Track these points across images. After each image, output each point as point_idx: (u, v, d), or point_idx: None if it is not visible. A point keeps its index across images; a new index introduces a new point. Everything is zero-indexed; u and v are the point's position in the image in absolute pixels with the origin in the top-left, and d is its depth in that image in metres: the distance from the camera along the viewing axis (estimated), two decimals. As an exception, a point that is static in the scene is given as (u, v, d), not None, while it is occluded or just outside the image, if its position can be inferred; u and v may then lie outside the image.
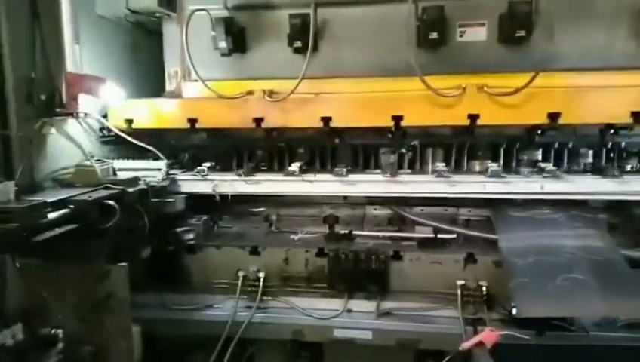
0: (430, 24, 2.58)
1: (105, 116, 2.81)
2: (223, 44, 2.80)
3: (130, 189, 2.35)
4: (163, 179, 2.69)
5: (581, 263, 2.26)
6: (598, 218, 2.63)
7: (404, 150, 2.92)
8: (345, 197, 3.07)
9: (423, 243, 2.73)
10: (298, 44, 2.72)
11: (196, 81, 2.79)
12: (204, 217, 2.99)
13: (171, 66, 3.08)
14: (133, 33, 3.36)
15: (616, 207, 2.76)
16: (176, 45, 2.98)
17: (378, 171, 2.80)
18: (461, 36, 2.69)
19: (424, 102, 2.55)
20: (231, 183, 2.79)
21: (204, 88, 2.76)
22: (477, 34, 2.67)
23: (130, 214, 2.28)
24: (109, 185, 2.28)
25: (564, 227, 2.52)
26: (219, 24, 2.77)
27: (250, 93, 2.75)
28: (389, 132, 2.74)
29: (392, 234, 2.83)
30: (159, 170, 2.73)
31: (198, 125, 2.80)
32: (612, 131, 2.66)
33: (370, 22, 2.77)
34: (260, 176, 2.81)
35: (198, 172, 2.80)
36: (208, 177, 2.79)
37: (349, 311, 2.58)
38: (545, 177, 2.53)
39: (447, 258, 2.58)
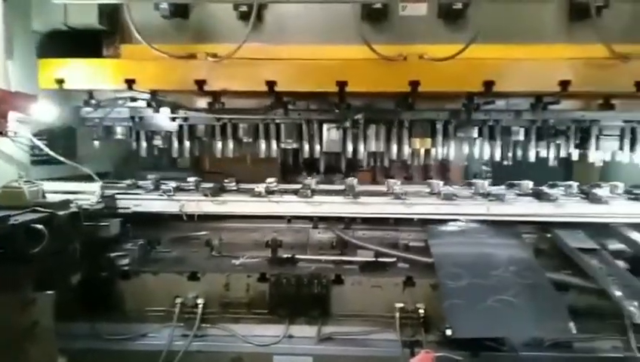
0: None
1: (36, 135, 2.69)
2: (164, 5, 2.74)
3: (61, 212, 2.23)
4: (97, 202, 2.59)
5: (510, 285, 2.37)
6: (526, 242, 2.80)
7: (348, 124, 2.99)
8: (289, 221, 3.09)
9: (365, 267, 2.77)
10: (243, 8, 2.71)
11: (135, 44, 2.72)
12: (141, 241, 2.88)
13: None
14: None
15: (543, 232, 2.95)
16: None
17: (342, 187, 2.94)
18: (403, 10, 2.80)
19: (368, 68, 2.65)
20: (197, 203, 2.73)
21: (142, 52, 2.68)
22: (418, 8, 2.80)
23: (59, 239, 2.16)
24: (38, 208, 2.16)
25: (496, 251, 2.65)
26: None
27: (192, 55, 2.71)
28: (333, 105, 2.80)
29: (335, 258, 2.85)
30: (93, 192, 2.63)
31: (135, 86, 2.71)
32: (542, 106, 2.87)
33: None
34: (226, 197, 2.76)
35: (164, 192, 2.72)
36: (175, 197, 2.72)
37: (290, 336, 2.55)
38: (490, 200, 2.73)
39: (386, 281, 2.62)
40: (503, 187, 3.21)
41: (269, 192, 2.83)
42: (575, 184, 3.13)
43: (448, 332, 2.19)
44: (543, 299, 2.31)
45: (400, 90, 2.71)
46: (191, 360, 2.47)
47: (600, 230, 2.92)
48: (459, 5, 2.63)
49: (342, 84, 2.64)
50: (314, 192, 2.89)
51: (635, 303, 2.28)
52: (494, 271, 2.49)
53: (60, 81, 2.74)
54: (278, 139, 3.19)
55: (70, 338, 2.40)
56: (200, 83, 2.71)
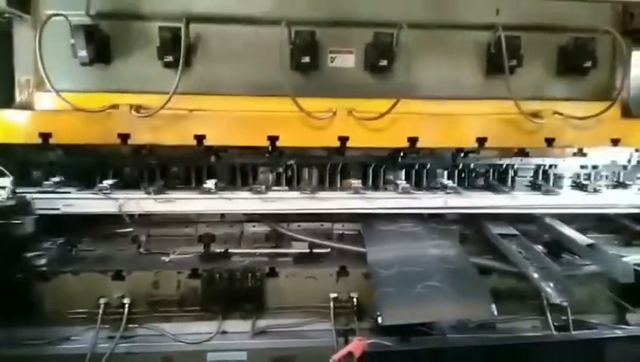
0: (302, 48, 2.67)
1: None
2: (83, 53, 2.58)
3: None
4: (8, 198, 2.39)
5: (437, 271, 2.46)
6: (452, 230, 2.93)
7: (281, 169, 2.99)
8: (222, 215, 3.02)
9: (299, 259, 2.77)
10: (169, 58, 2.62)
11: (51, 91, 2.53)
12: (60, 240, 2.70)
13: (22, 74, 2.76)
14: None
15: (468, 221, 3.10)
16: (29, 51, 2.64)
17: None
18: (332, 62, 2.82)
19: (299, 123, 2.64)
20: (138, 202, 2.59)
21: (60, 101, 2.51)
22: (346, 60, 2.83)
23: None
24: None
25: (424, 239, 2.75)
26: (78, 31, 2.55)
27: (114, 106, 2.57)
28: (266, 152, 2.78)
29: (269, 251, 2.82)
30: (3, 188, 2.42)
31: (52, 140, 2.53)
32: (462, 154, 3.05)
33: (245, 41, 2.77)
34: (172, 194, 2.64)
35: (100, 190, 2.54)
36: (112, 196, 2.56)
37: (224, 332, 2.50)
38: (448, 193, 2.85)
39: (321, 272, 2.63)
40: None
41: (221, 188, 2.73)
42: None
43: (379, 319, 2.23)
44: (467, 283, 2.41)
45: (330, 145, 2.74)
46: (118, 362, 2.36)
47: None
48: (384, 63, 2.71)
49: (273, 139, 2.63)
50: (269, 188, 2.84)
51: (552, 284, 2.45)
52: (423, 258, 2.57)
53: None
54: None
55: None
56: (124, 137, 2.57)
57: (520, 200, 2.96)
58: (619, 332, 2.58)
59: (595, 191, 3.07)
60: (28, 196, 2.54)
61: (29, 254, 2.52)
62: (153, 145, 2.77)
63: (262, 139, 2.64)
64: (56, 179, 2.81)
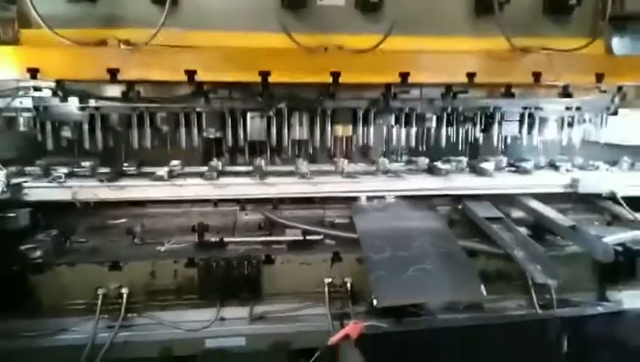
0: None
1: None
2: None
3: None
4: (3, 191, 2.38)
5: (428, 255, 2.55)
6: (441, 214, 3.04)
7: (271, 113, 3.02)
8: (215, 204, 3.06)
9: (293, 246, 2.82)
10: None
11: (37, 28, 2.49)
12: (54, 232, 2.70)
13: (5, 11, 2.70)
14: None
15: (455, 204, 3.21)
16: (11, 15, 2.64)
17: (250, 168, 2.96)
18: (321, 0, 2.84)
19: (290, 58, 2.66)
20: (92, 190, 2.58)
21: (45, 38, 2.47)
22: None
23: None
24: None
25: (414, 223, 2.83)
26: None
27: (103, 42, 2.54)
28: (256, 94, 2.79)
29: (263, 239, 2.86)
30: (-2, 181, 2.42)
31: (40, 76, 2.51)
32: (451, 95, 3.13)
33: None
34: (125, 182, 2.64)
35: (53, 178, 2.53)
36: (66, 184, 2.54)
37: (222, 319, 2.54)
38: (389, 177, 2.99)
39: (315, 258, 2.70)
40: (401, 164, 3.41)
41: (172, 176, 2.75)
42: (464, 159, 3.39)
43: (374, 302, 2.31)
44: (456, 265, 2.51)
45: (322, 81, 2.76)
46: (118, 351, 2.38)
47: (505, 200, 3.23)
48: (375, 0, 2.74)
49: (265, 74, 2.64)
50: (220, 174, 2.86)
51: (537, 265, 2.56)
52: (413, 242, 2.65)
53: None
54: (199, 127, 3.09)
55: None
56: (113, 72, 2.55)
57: (455, 182, 3.09)
58: (600, 309, 2.71)
59: (568, 171, 3.20)
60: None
61: (24, 246, 2.53)
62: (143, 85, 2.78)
63: (254, 74, 2.66)
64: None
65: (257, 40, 2.71)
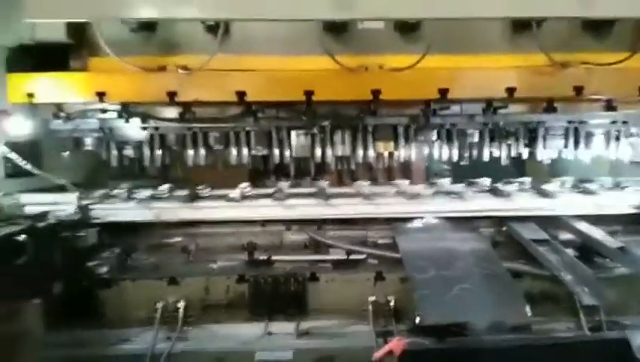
0: None
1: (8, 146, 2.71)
2: (132, 21, 2.82)
3: (40, 224, 2.29)
4: (75, 213, 2.63)
5: (472, 275, 2.58)
6: (484, 235, 3.05)
7: (315, 130, 3.16)
8: (263, 224, 3.21)
9: (337, 265, 2.92)
10: (210, 22, 2.82)
11: (103, 56, 2.79)
12: (117, 250, 2.93)
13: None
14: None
15: (499, 226, 3.21)
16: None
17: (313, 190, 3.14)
18: (362, 24, 2.98)
19: (332, 78, 2.83)
20: (173, 211, 2.81)
21: (110, 65, 2.75)
22: (375, 22, 2.98)
23: (40, 249, 2.22)
24: (18, 221, 2.21)
25: (456, 243, 2.86)
26: None
27: (162, 68, 2.81)
28: (301, 113, 2.93)
29: (309, 258, 2.98)
30: (69, 203, 2.67)
31: (106, 99, 2.79)
32: (492, 110, 3.17)
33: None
34: (201, 203, 2.85)
35: (139, 201, 2.78)
36: (150, 205, 2.81)
37: (270, 333, 2.65)
38: (452, 198, 3.04)
39: (359, 277, 2.78)
40: (462, 185, 3.44)
41: (243, 197, 2.94)
42: (528, 180, 3.38)
43: (417, 320, 2.36)
44: (500, 286, 2.52)
45: (363, 99, 2.89)
46: (175, 361, 2.53)
47: (551, 222, 3.20)
48: (413, 21, 2.86)
49: (309, 94, 2.82)
50: (287, 196, 3.02)
51: (584, 287, 2.53)
52: (457, 263, 2.69)
53: (30, 95, 2.77)
54: (248, 146, 3.31)
55: (53, 347, 2.41)
56: (171, 94, 2.81)
57: (519, 203, 3.09)
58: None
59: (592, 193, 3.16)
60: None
61: (91, 263, 2.77)
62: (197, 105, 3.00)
63: (298, 93, 2.84)
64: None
65: (301, 63, 2.91)
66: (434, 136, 3.31)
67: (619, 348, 2.47)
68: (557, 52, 2.88)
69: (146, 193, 3.02)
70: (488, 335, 2.56)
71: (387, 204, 3.00)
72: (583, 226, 3.12)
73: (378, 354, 2.27)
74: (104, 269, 2.75)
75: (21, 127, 2.74)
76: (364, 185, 3.20)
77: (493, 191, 3.23)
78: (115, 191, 3.16)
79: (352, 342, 2.59)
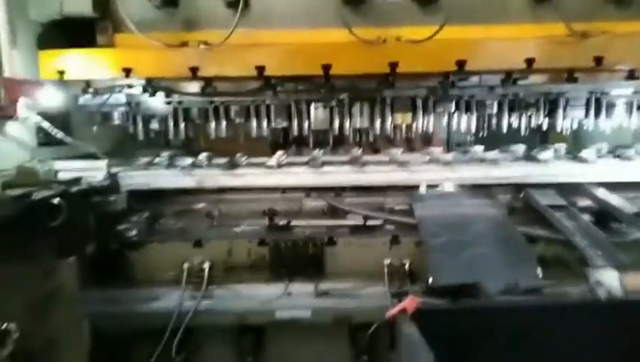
0: None
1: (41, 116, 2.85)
2: None
3: (74, 189, 2.43)
4: (105, 179, 2.78)
5: (485, 239, 2.64)
6: (500, 202, 3.08)
7: (334, 103, 3.24)
8: (283, 191, 3.32)
9: (354, 230, 3.01)
10: None
11: (128, 33, 2.90)
12: (145, 214, 3.09)
13: (102, 21, 3.10)
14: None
15: (516, 191, 3.23)
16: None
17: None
18: None
19: (350, 51, 2.86)
20: (214, 177, 2.96)
21: (135, 40, 2.86)
22: None
23: (74, 212, 2.36)
24: (52, 186, 2.35)
25: (471, 209, 2.92)
26: None
27: (184, 43, 2.91)
28: (319, 86, 3.01)
29: (327, 223, 3.08)
30: (100, 169, 2.81)
31: (132, 75, 2.92)
32: (511, 81, 3.15)
33: None
34: (241, 170, 3.02)
35: (181, 168, 2.92)
36: (191, 173, 2.95)
37: (289, 294, 2.77)
38: (488, 165, 3.07)
39: (375, 241, 2.87)
40: (496, 152, 3.45)
41: (280, 165, 3.04)
42: (563, 146, 3.37)
43: (430, 281, 2.45)
44: (513, 249, 2.58)
45: (381, 72, 2.92)
46: (200, 318, 2.69)
47: (570, 189, 3.21)
48: None
49: (327, 67, 2.86)
50: (322, 164, 3.11)
51: (599, 251, 2.56)
52: (471, 228, 2.75)
53: (61, 72, 2.90)
54: (268, 118, 3.39)
55: (88, 304, 2.59)
56: (194, 70, 2.90)
57: (556, 169, 3.10)
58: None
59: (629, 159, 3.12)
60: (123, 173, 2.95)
61: (121, 226, 2.93)
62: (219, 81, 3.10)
63: (317, 67, 2.90)
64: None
65: (319, 36, 2.94)
66: (452, 107, 3.29)
67: (631, 311, 2.51)
68: (577, 22, 2.84)
69: (186, 161, 3.13)
70: (499, 297, 2.64)
71: (423, 171, 3.06)
72: (601, 192, 3.12)
73: (392, 312, 2.36)
74: (133, 232, 2.90)
75: (53, 99, 2.86)
76: (397, 153, 3.22)
77: (528, 158, 3.24)
78: (157, 159, 3.28)
79: (368, 302, 2.70)
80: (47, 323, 2.15)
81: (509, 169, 3.07)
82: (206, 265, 2.78)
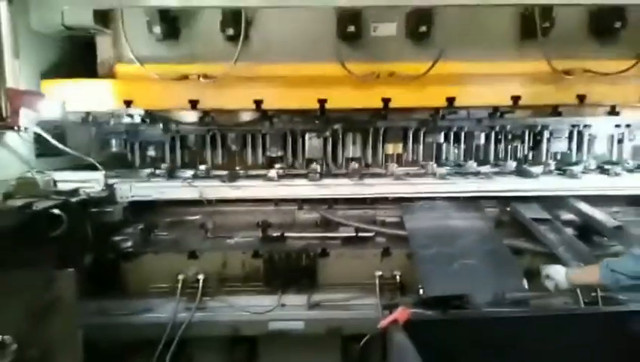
0: (348, 19, 2.96)
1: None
2: (157, 30, 2.97)
3: (73, 199, 2.47)
4: (102, 190, 2.82)
5: (473, 251, 2.73)
6: (486, 214, 3.19)
7: (328, 133, 3.31)
8: (276, 203, 3.38)
9: (347, 242, 3.08)
10: (230, 31, 2.97)
11: (129, 63, 2.95)
12: (140, 226, 3.12)
13: (104, 53, 3.16)
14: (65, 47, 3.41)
15: (502, 205, 3.35)
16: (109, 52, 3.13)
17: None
18: (374, 31, 3.09)
19: (345, 86, 2.94)
20: (215, 189, 3.01)
21: (136, 70, 2.91)
22: (388, 29, 3.09)
23: (73, 223, 2.39)
24: (52, 196, 2.39)
25: (459, 222, 3.02)
26: (153, 10, 2.96)
27: (185, 76, 2.96)
28: (314, 118, 3.08)
29: (319, 235, 3.14)
30: (97, 180, 2.85)
31: (133, 106, 2.96)
32: (498, 114, 3.27)
33: (297, 12, 3.08)
34: (242, 182, 3.05)
35: (184, 179, 2.97)
36: (193, 184, 2.99)
37: (283, 305, 2.81)
38: (480, 179, 3.13)
39: (366, 253, 2.95)
40: (488, 166, 3.53)
41: (280, 176, 3.09)
42: (553, 162, 3.48)
43: (421, 292, 2.52)
44: (500, 261, 2.67)
45: (374, 107, 3.04)
46: (194, 329, 2.71)
47: (555, 203, 3.33)
48: (423, 28, 2.97)
49: (322, 102, 2.96)
50: (322, 176, 3.17)
51: (581, 264, 2.66)
52: (459, 240, 2.84)
53: (62, 102, 2.94)
54: (263, 147, 3.47)
55: (82, 315, 2.61)
56: (193, 103, 2.97)
57: (546, 184, 3.19)
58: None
59: (617, 174, 3.24)
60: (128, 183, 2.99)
61: (117, 238, 2.96)
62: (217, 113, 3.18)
63: (312, 101, 2.97)
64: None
65: (316, 69, 3.01)
66: (442, 138, 3.41)
67: (614, 322, 2.60)
68: (562, 59, 2.97)
69: (187, 173, 3.17)
70: (488, 308, 2.72)
71: (420, 184, 3.13)
72: (584, 206, 3.24)
73: (384, 322, 2.43)
74: (128, 243, 2.93)
75: (53, 110, 2.90)
76: (394, 167, 3.29)
77: (520, 173, 3.35)
78: (158, 171, 3.29)
79: (360, 313, 2.76)
80: (44, 334, 2.17)
81: (500, 183, 3.16)
82: (200, 277, 2.82)
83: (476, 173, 3.22)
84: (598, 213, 3.12)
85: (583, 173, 3.32)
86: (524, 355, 2.53)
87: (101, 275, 2.84)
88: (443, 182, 3.09)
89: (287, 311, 2.80)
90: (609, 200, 3.36)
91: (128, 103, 2.94)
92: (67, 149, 2.83)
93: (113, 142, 3.34)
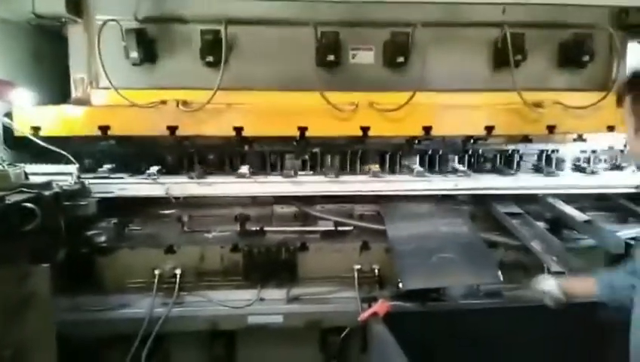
0: (327, 47, 2.97)
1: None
2: (134, 54, 2.91)
3: (46, 193, 2.39)
4: (75, 183, 2.74)
5: (450, 245, 2.79)
6: (463, 210, 3.27)
7: (307, 156, 3.31)
8: (254, 198, 3.35)
9: (326, 235, 3.10)
10: (210, 58, 2.94)
11: (105, 88, 2.88)
12: (114, 220, 3.05)
13: (77, 73, 3.07)
14: (35, 37, 3.28)
15: (477, 201, 3.42)
16: (83, 51, 3.04)
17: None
18: (353, 58, 3.12)
19: (325, 115, 2.94)
20: (182, 186, 2.93)
21: (112, 96, 2.85)
22: (366, 57, 3.14)
23: (46, 217, 2.32)
24: (24, 189, 2.31)
25: (437, 218, 3.08)
26: (130, 35, 2.88)
27: (163, 102, 2.91)
28: (294, 140, 3.10)
29: (299, 229, 3.15)
30: (70, 174, 2.77)
31: (110, 132, 2.88)
32: (472, 141, 3.36)
33: (277, 40, 3.09)
34: (211, 179, 2.98)
35: (148, 175, 2.89)
36: (159, 180, 2.91)
37: (262, 299, 2.81)
38: (458, 176, 3.17)
39: (345, 247, 2.97)
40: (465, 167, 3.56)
41: (254, 173, 3.07)
42: (529, 163, 3.61)
43: (400, 285, 2.56)
44: (475, 254, 2.74)
45: (353, 134, 3.06)
46: (172, 325, 2.68)
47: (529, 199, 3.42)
48: (401, 59, 3.03)
49: (303, 129, 2.96)
50: (297, 173, 3.14)
51: (553, 256, 2.75)
52: (437, 235, 2.89)
53: (37, 129, 2.82)
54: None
55: (58, 311, 2.54)
56: (172, 129, 2.90)
57: (524, 181, 3.28)
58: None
59: (593, 173, 3.36)
60: (87, 181, 2.89)
61: (91, 232, 2.89)
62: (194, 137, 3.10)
63: (293, 129, 2.96)
64: (108, 166, 3.14)
65: (296, 98, 3.01)
66: (417, 161, 3.45)
67: (584, 313, 2.70)
68: (533, 90, 3.09)
69: (155, 168, 3.02)
70: (464, 300, 2.79)
71: (397, 181, 3.13)
72: (555, 201, 3.35)
73: (364, 315, 2.46)
74: (103, 238, 2.87)
75: (25, 99, 2.79)
76: (373, 166, 3.27)
77: (498, 171, 3.44)
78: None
79: (339, 306, 2.78)
80: (18, 331, 2.11)
81: (479, 181, 3.22)
82: (178, 271, 2.79)
83: (454, 171, 3.27)
84: (568, 208, 3.23)
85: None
86: (498, 345, 2.61)
87: (76, 270, 2.78)
88: (420, 179, 3.12)
89: (266, 305, 2.80)
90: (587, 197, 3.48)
91: (104, 130, 2.85)
92: (39, 141, 2.73)
93: (86, 162, 3.17)
